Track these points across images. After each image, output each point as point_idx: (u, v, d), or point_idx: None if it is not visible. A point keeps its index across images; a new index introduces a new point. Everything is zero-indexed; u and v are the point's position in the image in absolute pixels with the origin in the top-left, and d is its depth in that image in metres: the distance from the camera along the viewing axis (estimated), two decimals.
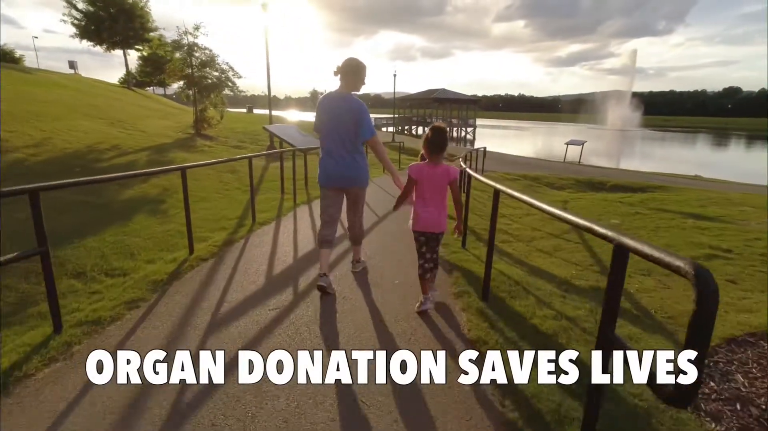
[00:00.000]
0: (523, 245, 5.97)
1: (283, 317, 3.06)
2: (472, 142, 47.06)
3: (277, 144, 11.91)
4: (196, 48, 14.81)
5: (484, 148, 14.36)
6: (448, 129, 3.11)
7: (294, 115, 32.94)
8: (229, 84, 16.19)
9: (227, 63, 15.98)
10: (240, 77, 17.87)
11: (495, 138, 56.64)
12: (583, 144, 21.15)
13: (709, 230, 6.59)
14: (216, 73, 15.78)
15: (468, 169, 5.79)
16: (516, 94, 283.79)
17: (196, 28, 14.58)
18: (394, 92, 30.75)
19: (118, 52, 32.38)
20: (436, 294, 3.34)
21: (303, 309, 3.20)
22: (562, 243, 5.96)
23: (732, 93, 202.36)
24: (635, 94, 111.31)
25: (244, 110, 50.39)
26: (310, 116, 30.97)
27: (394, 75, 29.64)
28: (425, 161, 2.95)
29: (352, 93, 3.28)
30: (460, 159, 9.60)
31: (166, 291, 3.50)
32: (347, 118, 3.17)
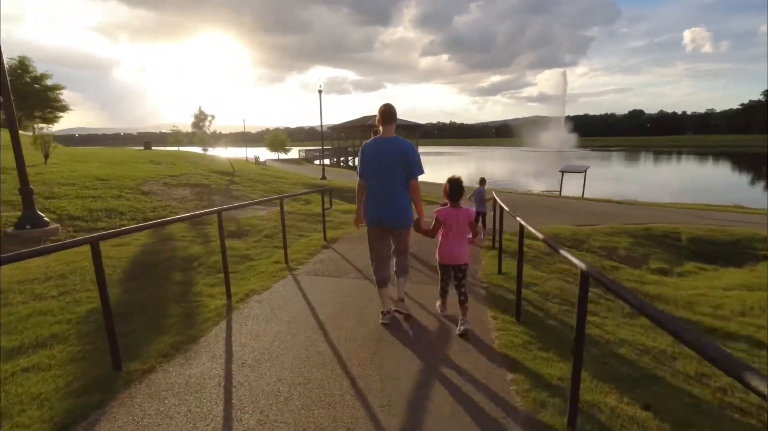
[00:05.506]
0: None
1: None
2: None
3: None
4: None
5: (493, 195, 7.96)
6: (461, 178, 3.45)
7: (228, 152, 25.15)
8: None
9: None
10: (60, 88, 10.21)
11: (443, 165, 51.84)
12: (585, 171, 15.58)
13: None
14: None
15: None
16: (447, 122, 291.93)
17: None
18: (321, 112, 23.82)
19: None
20: (468, 323, 3.38)
21: None
22: None
23: (637, 115, 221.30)
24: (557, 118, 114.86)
25: (141, 147, 41.17)
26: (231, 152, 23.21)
27: (320, 91, 22.85)
28: (447, 205, 3.43)
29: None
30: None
31: None
32: (400, 159, 3.27)
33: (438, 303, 3.84)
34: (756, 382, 0.97)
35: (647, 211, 14.00)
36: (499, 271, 5.25)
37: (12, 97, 6.27)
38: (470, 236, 3.57)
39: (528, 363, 2.92)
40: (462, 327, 3.38)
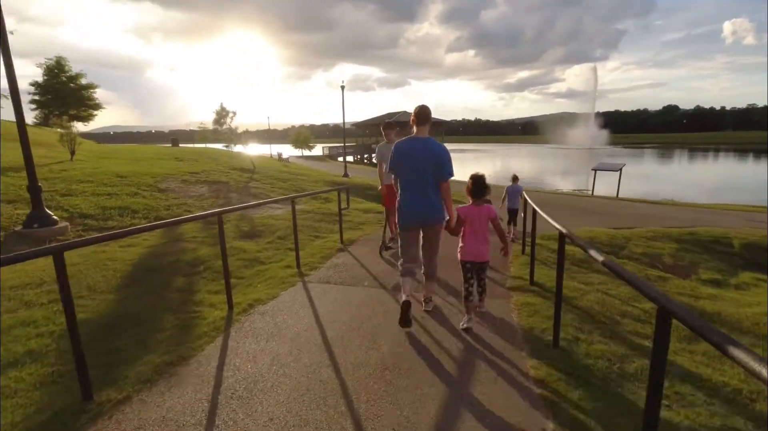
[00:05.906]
0: None
1: None
2: None
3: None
4: None
5: (524, 195, 7.36)
6: (484, 175, 3.42)
7: (252, 149, 25.93)
8: None
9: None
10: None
11: (468, 162, 50.81)
12: (620, 169, 14.65)
13: None
14: None
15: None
16: (472, 119, 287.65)
17: None
18: (343, 108, 23.58)
19: None
20: (484, 310, 3.74)
21: None
22: None
23: (671, 111, 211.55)
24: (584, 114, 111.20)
25: (169, 144, 41.92)
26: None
27: (342, 87, 22.64)
28: (470, 204, 3.43)
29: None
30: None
31: None
32: (430, 159, 3.29)
33: (462, 322, 3.49)
34: None
35: (687, 212, 13.00)
36: (531, 282, 4.70)
37: (20, 96, 6.09)
38: (502, 248, 3.44)
39: (572, 403, 2.39)
40: (479, 310, 3.73)
